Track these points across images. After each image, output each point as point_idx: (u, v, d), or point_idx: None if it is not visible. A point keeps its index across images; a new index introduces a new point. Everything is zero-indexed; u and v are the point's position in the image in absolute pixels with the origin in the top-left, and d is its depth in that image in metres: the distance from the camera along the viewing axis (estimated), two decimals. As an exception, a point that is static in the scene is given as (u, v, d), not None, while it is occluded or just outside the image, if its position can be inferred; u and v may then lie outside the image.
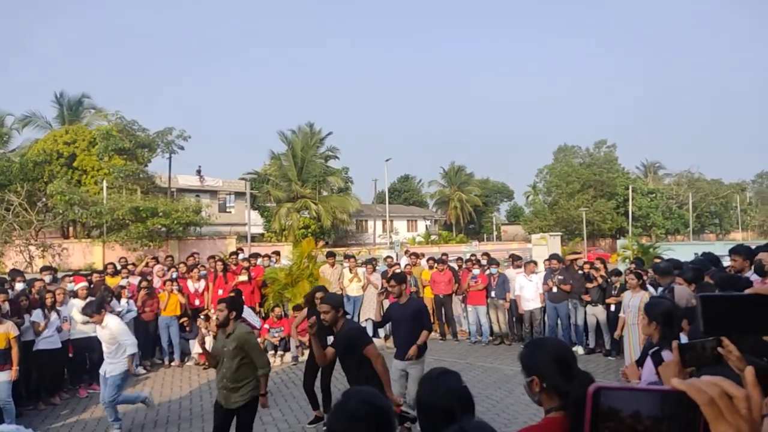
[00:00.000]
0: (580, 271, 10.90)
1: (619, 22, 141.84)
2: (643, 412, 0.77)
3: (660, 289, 6.43)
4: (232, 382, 5.02)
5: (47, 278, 9.50)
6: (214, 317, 9.99)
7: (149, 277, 10.88)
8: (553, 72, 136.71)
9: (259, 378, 5.12)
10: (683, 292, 4.39)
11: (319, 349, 4.87)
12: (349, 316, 11.60)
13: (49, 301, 8.28)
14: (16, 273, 9.80)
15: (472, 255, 13.50)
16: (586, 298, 10.53)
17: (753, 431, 0.77)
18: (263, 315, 11.18)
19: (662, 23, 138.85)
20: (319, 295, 6.33)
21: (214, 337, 9.94)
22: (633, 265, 10.11)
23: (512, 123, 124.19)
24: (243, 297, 9.44)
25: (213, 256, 12.47)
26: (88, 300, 8.78)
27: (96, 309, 6.55)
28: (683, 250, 18.10)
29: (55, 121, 33.09)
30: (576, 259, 12.11)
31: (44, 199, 26.20)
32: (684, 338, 3.37)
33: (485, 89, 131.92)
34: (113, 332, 6.48)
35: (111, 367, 6.62)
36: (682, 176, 61.67)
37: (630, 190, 49.11)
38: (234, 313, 5.11)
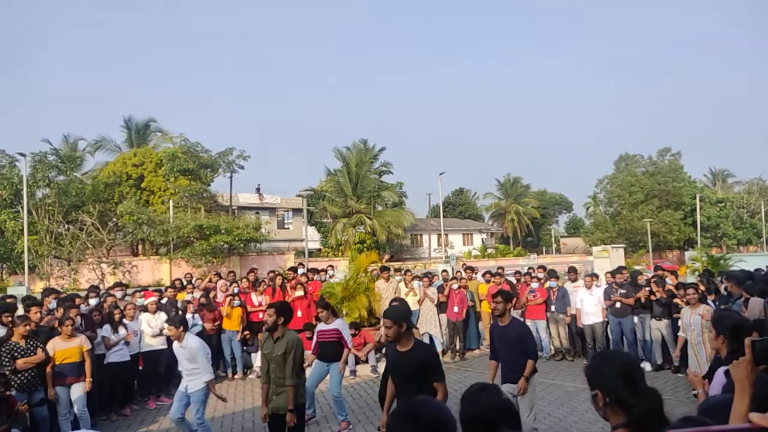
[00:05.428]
0: (647, 288, 10.42)
1: (678, 26, 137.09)
2: None
3: (738, 300, 6.11)
4: (281, 386, 5.16)
5: (118, 294, 9.96)
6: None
7: (212, 293, 11.23)
8: (610, 80, 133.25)
9: (287, 389, 5.12)
10: (757, 303, 4.18)
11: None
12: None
13: (117, 317, 8.66)
14: (92, 289, 10.39)
15: (530, 268, 13.25)
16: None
17: None
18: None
19: (725, 28, 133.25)
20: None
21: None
22: (699, 279, 9.63)
23: (568, 133, 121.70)
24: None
25: (273, 271, 12.75)
26: (157, 314, 9.17)
27: (178, 323, 6.45)
28: (757, 262, 16.94)
29: (124, 145, 34.97)
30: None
31: (115, 219, 27.60)
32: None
33: (539, 99, 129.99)
34: (193, 351, 6.34)
35: (193, 384, 6.37)
36: (752, 184, 58.64)
37: (698, 200, 47.00)
38: (282, 319, 5.21)
